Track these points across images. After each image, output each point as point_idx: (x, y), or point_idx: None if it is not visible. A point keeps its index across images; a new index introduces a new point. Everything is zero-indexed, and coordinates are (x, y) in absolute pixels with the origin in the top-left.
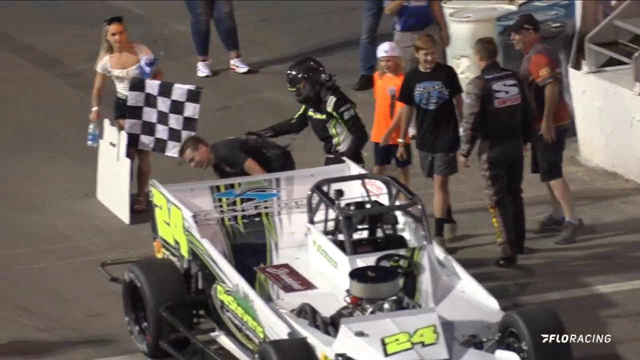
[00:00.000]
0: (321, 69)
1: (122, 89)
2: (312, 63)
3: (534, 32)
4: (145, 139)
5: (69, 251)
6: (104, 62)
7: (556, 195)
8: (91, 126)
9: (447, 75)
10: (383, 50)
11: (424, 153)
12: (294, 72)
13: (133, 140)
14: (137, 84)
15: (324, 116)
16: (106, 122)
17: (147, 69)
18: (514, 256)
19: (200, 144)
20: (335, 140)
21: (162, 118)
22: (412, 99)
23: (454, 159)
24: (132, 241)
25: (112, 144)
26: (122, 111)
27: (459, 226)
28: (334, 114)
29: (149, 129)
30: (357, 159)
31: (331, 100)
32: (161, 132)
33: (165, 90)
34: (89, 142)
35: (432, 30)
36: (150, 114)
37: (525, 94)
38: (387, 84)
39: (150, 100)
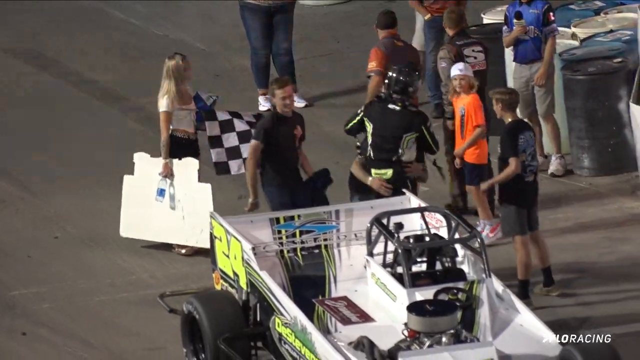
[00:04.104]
0: (400, 80)
1: (186, 125)
2: (406, 70)
3: (379, 29)
4: (234, 164)
5: (129, 285)
6: (169, 101)
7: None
8: (161, 181)
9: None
10: (458, 69)
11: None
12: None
13: (223, 169)
14: (209, 115)
15: None
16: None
17: (209, 102)
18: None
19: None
20: None
21: (244, 138)
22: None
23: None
24: (192, 275)
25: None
26: (186, 150)
27: None
28: None
29: (234, 152)
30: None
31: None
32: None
33: (236, 115)
34: (157, 198)
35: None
36: (231, 139)
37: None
38: (458, 104)
39: (226, 126)
